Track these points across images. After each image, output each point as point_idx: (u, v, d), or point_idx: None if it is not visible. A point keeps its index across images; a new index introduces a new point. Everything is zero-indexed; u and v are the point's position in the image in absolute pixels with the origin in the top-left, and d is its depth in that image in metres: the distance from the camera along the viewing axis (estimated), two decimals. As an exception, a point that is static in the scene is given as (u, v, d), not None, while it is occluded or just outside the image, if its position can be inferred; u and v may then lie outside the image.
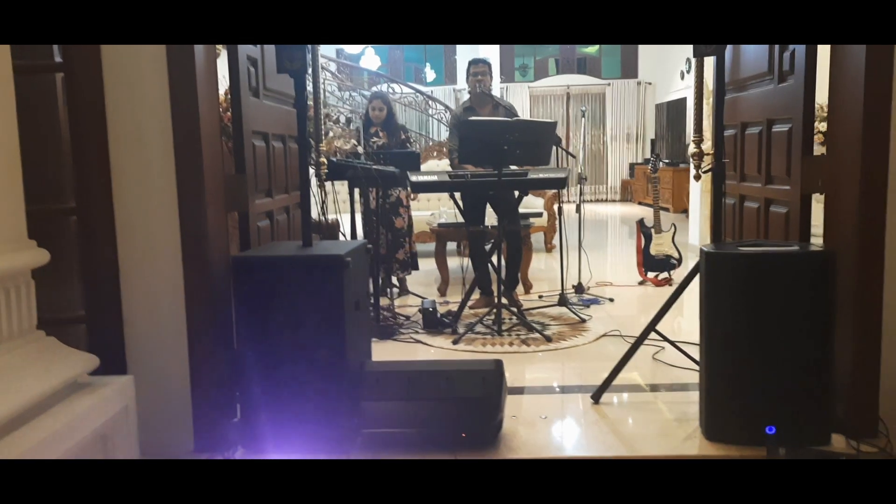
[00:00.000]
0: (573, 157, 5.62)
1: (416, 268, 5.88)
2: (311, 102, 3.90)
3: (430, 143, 10.28)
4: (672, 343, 3.42)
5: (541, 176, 4.49)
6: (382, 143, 5.56)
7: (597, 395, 3.23)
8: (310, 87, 3.78)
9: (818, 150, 2.99)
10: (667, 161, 12.86)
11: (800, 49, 2.90)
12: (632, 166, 14.98)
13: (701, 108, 3.61)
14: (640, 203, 13.95)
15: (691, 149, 3.49)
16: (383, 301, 5.02)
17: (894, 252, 2.66)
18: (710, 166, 3.21)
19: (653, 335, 3.34)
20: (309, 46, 3.59)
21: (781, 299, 2.61)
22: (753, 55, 3.37)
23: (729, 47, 3.61)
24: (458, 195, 4.89)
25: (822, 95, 2.90)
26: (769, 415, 2.63)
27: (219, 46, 3.06)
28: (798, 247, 2.75)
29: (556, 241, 7.18)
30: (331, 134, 5.95)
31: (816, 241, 2.93)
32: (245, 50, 2.98)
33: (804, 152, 2.92)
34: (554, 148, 4.91)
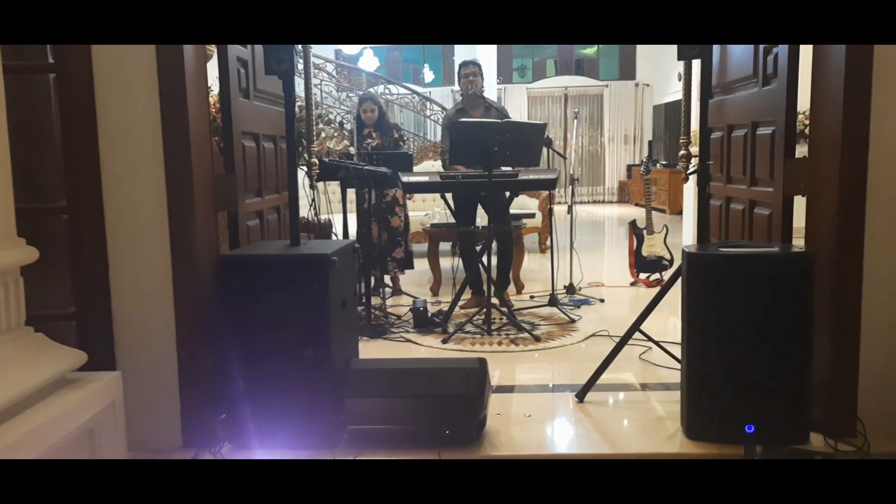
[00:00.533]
0: (563, 158, 5.66)
1: (412, 266, 5.90)
2: (302, 103, 3.94)
3: (426, 144, 10.31)
4: (656, 343, 3.46)
5: (531, 177, 4.53)
6: (376, 143, 5.58)
7: (581, 394, 3.27)
8: (302, 88, 3.82)
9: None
10: (664, 163, 12.89)
11: (782, 52, 2.94)
12: (629, 168, 15.02)
13: (689, 110, 3.65)
14: (637, 205, 13.98)
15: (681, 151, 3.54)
16: (376, 300, 5.05)
17: (873, 254, 2.70)
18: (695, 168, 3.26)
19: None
20: (300, 47, 3.63)
21: (761, 300, 2.65)
22: (739, 58, 3.41)
23: (716, 50, 3.65)
24: (449, 196, 4.93)
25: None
26: (749, 414, 2.67)
27: (209, 48, 3.10)
28: (778, 248, 2.79)
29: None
30: (323, 135, 5.98)
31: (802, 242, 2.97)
32: (235, 52, 3.02)
33: (786, 155, 2.96)
34: (546, 149, 4.96)
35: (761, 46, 3.14)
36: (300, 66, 3.96)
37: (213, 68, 3.04)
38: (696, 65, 3.21)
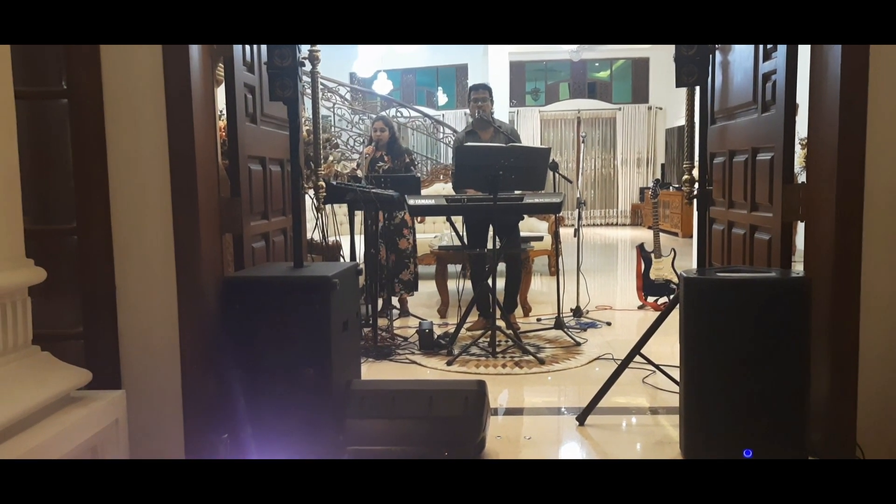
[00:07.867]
0: (569, 181, 5.70)
1: (416, 288, 5.94)
2: (310, 126, 4.02)
3: (438, 167, 10.39)
4: (656, 366, 3.47)
5: (536, 200, 4.57)
6: (388, 167, 5.63)
7: (582, 417, 3.28)
8: (311, 112, 3.90)
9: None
10: (676, 186, 12.90)
11: (780, 79, 2.97)
12: (642, 190, 15.04)
13: (693, 135, 3.69)
14: (649, 227, 13.96)
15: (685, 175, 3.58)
16: (382, 322, 5.09)
17: (871, 278, 2.71)
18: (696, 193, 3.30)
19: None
20: (308, 69, 3.69)
21: (758, 324, 2.66)
22: (740, 84, 3.45)
23: (718, 76, 3.70)
24: (454, 218, 4.97)
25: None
26: (746, 439, 2.68)
27: (218, 75, 3.18)
28: (775, 273, 2.80)
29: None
30: (330, 158, 6.06)
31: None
32: (242, 78, 3.10)
33: (785, 180, 2.98)
34: (552, 173, 5.01)
35: (760, 73, 3.18)
36: (308, 90, 4.06)
37: (222, 94, 3.12)
38: (698, 90, 3.26)
